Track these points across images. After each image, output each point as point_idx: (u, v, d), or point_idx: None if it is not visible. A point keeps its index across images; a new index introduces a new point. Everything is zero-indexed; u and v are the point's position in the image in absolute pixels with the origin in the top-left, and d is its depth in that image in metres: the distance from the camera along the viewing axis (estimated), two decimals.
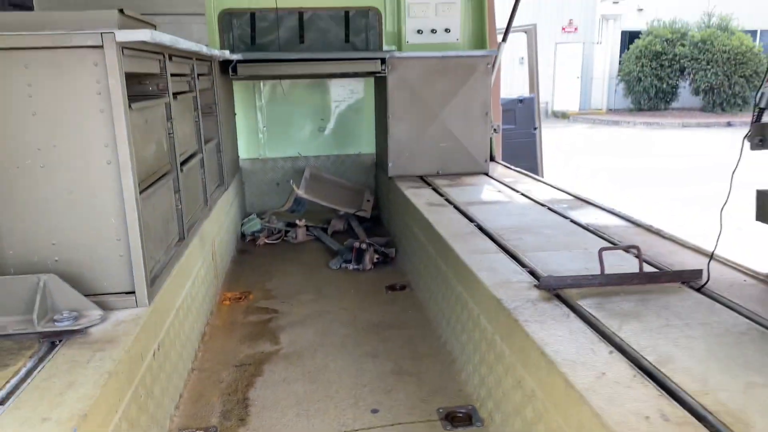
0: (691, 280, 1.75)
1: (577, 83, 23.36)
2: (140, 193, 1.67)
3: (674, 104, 22.23)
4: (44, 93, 1.55)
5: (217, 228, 2.94)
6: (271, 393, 1.96)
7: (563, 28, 23.04)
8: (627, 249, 1.91)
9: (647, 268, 1.83)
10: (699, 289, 1.71)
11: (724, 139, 15.25)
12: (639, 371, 1.26)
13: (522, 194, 3.05)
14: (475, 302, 1.90)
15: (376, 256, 3.17)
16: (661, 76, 20.92)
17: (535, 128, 5.32)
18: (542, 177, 5.33)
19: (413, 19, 3.89)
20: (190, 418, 1.82)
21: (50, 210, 1.61)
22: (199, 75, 2.65)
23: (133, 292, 1.67)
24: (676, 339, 1.40)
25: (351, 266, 3.13)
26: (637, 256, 1.79)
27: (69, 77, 1.55)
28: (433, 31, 3.90)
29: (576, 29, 22.86)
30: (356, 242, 3.25)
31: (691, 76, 20.92)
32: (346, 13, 3.93)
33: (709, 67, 20.28)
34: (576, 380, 1.23)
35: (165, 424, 1.72)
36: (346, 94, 4.16)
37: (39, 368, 1.35)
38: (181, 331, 1.99)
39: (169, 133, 2.10)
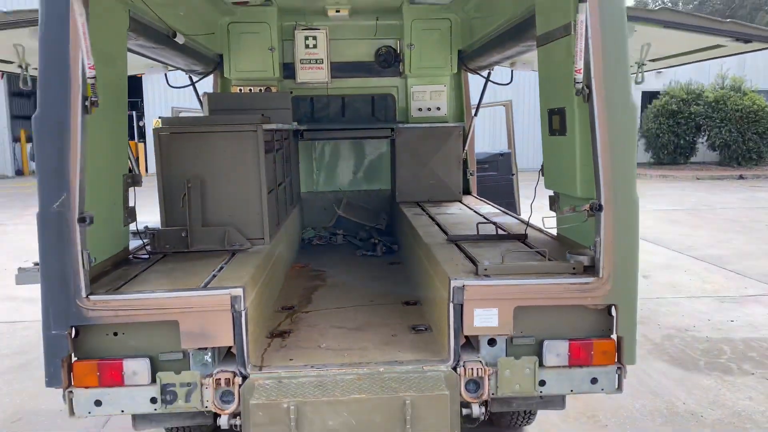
0: (520, 238, 3.68)
1: None
2: (267, 194, 3.73)
3: (693, 158, 23.73)
4: (230, 147, 3.62)
5: (291, 226, 4.99)
6: (322, 296, 3.96)
7: None
8: (492, 222, 3.85)
9: (502, 233, 3.78)
10: (522, 241, 3.63)
11: (723, 190, 16.81)
12: (464, 254, 3.20)
13: (473, 210, 5.00)
14: (420, 250, 3.86)
15: (384, 247, 5.17)
16: (678, 132, 22.48)
17: (512, 174, 7.28)
18: (519, 211, 7.27)
19: (416, 101, 5.96)
20: (282, 303, 3.82)
21: (229, 199, 3.66)
22: (284, 138, 4.76)
23: (263, 238, 3.70)
24: (489, 250, 3.33)
25: (369, 253, 5.14)
26: (496, 226, 3.75)
27: (241, 141, 3.62)
28: (429, 109, 5.96)
29: None
30: (372, 239, 5.27)
31: (707, 132, 22.41)
32: (372, 97, 6.04)
33: (723, 124, 21.78)
34: (438, 257, 3.18)
35: (275, 297, 3.72)
36: (372, 149, 6.22)
37: (230, 261, 3.36)
38: (279, 262, 4.02)
39: (274, 170, 4.18)
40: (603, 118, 2.67)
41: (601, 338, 2.81)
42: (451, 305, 2.73)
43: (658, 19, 3.43)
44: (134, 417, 2.98)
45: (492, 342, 2.80)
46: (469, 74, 5.99)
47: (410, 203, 5.48)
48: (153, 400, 2.68)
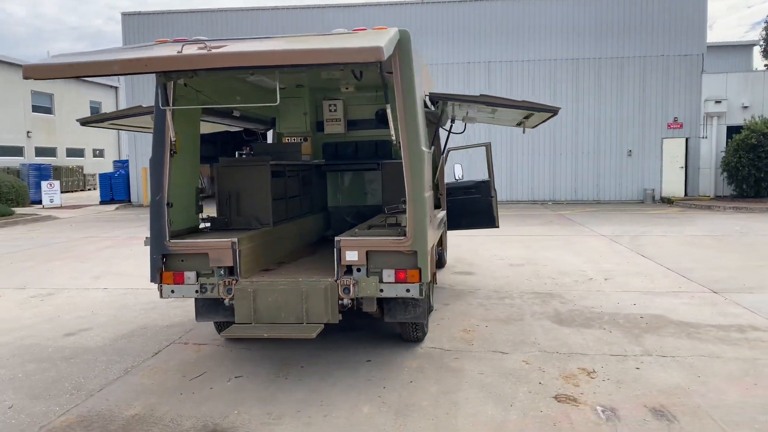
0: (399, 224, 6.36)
1: (681, 173, 26.00)
2: (273, 200, 6.71)
3: None
4: (252, 174, 6.66)
5: (307, 224, 7.96)
6: (306, 259, 6.87)
7: (669, 125, 26.10)
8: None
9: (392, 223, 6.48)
10: (401, 226, 6.31)
11: None
12: (401, 226, 5.98)
13: None
14: None
15: None
16: (758, 166, 23.10)
17: (491, 197, 9.79)
18: (497, 222, 9.77)
19: None
20: (279, 260, 6.76)
21: (251, 201, 6.68)
22: (301, 170, 7.78)
23: (269, 223, 6.66)
24: (378, 228, 6.06)
25: None
26: (397, 220, 6.46)
27: (258, 171, 6.66)
28: None
29: (681, 125, 25.82)
30: None
31: None
32: (375, 142, 8.92)
33: None
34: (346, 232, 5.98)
35: (275, 256, 6.67)
36: (373, 177, 9.08)
37: (246, 232, 6.37)
38: (282, 238, 6.98)
39: (284, 187, 7.19)
40: (406, 158, 5.39)
41: (411, 269, 5.46)
42: (335, 250, 5.53)
43: (479, 101, 6.10)
44: (197, 313, 6.04)
45: (358, 269, 5.55)
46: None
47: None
48: (196, 291, 5.70)
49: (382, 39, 3.82)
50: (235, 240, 5.66)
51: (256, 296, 5.44)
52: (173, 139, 5.68)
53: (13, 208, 24.16)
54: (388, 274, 5.48)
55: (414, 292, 5.46)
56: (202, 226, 6.66)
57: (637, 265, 11.04)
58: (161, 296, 5.78)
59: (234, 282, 5.62)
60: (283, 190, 7.22)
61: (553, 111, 6.11)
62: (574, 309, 7.96)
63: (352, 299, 5.59)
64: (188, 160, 6.25)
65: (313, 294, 5.38)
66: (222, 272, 5.70)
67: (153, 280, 5.77)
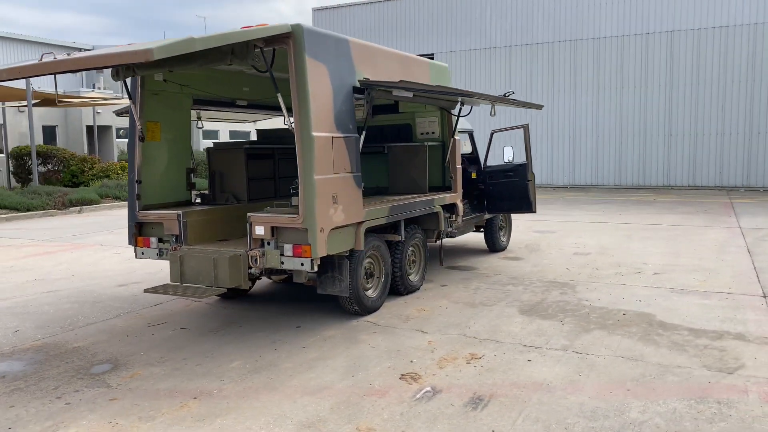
0: None
1: None
2: (250, 180, 7.59)
3: None
4: (232, 157, 7.61)
5: None
6: None
7: None
8: None
9: None
10: None
11: None
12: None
13: (391, 198, 7.92)
14: None
15: None
16: None
17: (527, 180, 9.46)
18: (534, 207, 9.50)
19: (419, 128, 9.00)
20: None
21: (232, 180, 7.64)
22: None
23: (245, 200, 7.58)
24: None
25: None
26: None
27: (236, 154, 7.59)
28: (427, 133, 8.93)
29: None
30: None
31: None
32: (398, 126, 9.27)
33: None
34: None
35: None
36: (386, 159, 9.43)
37: (217, 206, 7.35)
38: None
39: (272, 168, 8.02)
40: (298, 143, 5.88)
41: (305, 244, 5.96)
42: (248, 224, 6.25)
43: (399, 86, 6.28)
44: None
45: (268, 243, 6.20)
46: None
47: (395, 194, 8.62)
48: (157, 254, 6.87)
49: (159, 43, 4.44)
50: (180, 212, 6.69)
51: (182, 261, 6.41)
52: (140, 129, 6.86)
53: None
54: (288, 249, 6.06)
55: (307, 266, 5.96)
56: (196, 200, 7.81)
57: (720, 261, 9.76)
58: (136, 257, 7.07)
59: (179, 248, 6.66)
60: (269, 171, 8.06)
61: (466, 95, 6.01)
62: (563, 300, 7.59)
63: (260, 269, 6.27)
64: (176, 144, 7.41)
65: (220, 262, 6.18)
66: (173, 239, 6.77)
67: (130, 242, 7.07)
